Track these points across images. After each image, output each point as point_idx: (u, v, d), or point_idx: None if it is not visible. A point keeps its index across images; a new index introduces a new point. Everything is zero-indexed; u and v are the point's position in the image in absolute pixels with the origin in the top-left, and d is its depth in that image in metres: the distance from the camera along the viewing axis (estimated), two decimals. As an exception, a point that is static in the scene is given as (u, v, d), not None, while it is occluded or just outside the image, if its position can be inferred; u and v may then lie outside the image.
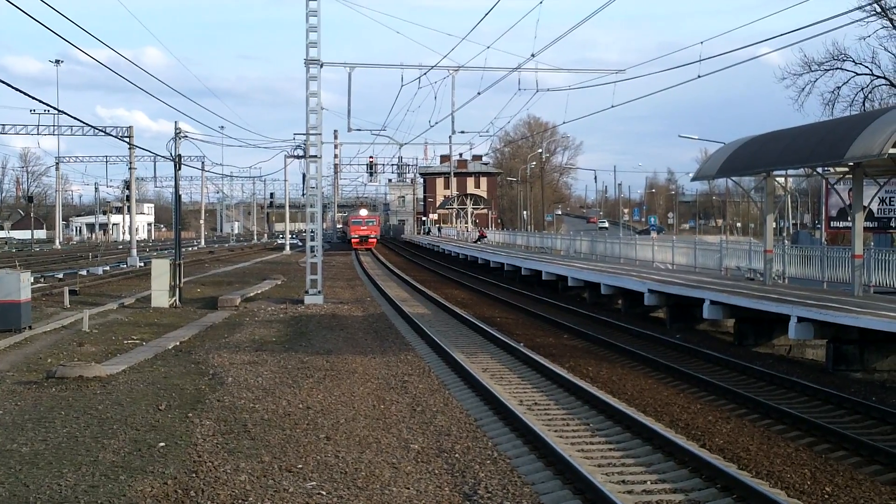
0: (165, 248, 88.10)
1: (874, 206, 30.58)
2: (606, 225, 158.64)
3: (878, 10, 40.74)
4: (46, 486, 10.62)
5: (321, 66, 34.47)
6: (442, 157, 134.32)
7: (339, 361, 20.01)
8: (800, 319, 19.60)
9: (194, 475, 11.10)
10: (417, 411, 14.88)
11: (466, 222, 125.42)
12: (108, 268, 54.60)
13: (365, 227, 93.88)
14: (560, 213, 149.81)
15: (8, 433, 13.17)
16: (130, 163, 69.72)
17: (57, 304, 31.66)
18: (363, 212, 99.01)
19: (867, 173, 25.13)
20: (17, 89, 19.88)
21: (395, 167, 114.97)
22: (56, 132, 76.03)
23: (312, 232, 36.22)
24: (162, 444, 12.54)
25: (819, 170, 28.04)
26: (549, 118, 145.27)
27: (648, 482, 11.05)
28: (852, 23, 34.22)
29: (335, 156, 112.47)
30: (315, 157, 36.26)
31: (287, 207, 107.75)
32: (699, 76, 27.14)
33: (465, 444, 12.68)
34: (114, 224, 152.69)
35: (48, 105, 23.29)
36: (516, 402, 15.36)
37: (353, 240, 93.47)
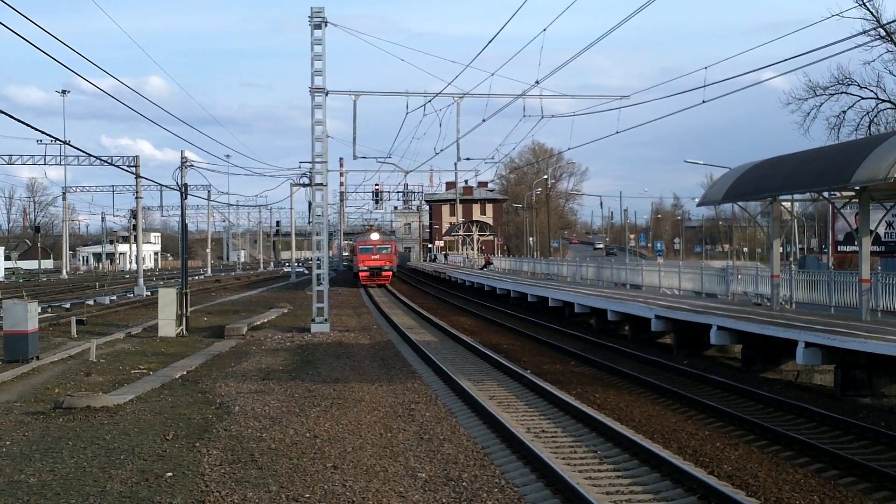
0: (172, 277, 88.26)
1: (881, 231, 30.55)
2: (602, 245, 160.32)
3: (883, 34, 40.82)
4: (54, 518, 10.60)
5: (326, 94, 34.62)
6: (447, 184, 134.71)
7: (346, 390, 19.99)
8: (808, 344, 19.54)
9: (202, 505, 11.08)
10: (425, 439, 14.85)
11: (472, 249, 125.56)
12: (115, 297, 54.67)
13: (377, 256, 72.77)
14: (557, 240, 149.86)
15: (16, 463, 13.17)
16: (137, 192, 69.99)
17: (64, 334, 31.69)
18: (374, 236, 76.78)
19: (874, 197, 25.13)
20: (22, 122, 20.01)
21: (400, 194, 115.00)
22: (62, 162, 76.40)
23: (318, 260, 36.24)
24: (169, 473, 12.52)
25: (825, 194, 28.03)
26: (555, 144, 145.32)
27: (657, 510, 11.00)
28: (857, 47, 34.19)
29: (341, 183, 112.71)
30: (321, 184, 36.34)
31: (293, 235, 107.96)
32: (704, 101, 27.26)
33: (473, 472, 12.64)
34: (120, 253, 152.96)
35: (53, 136, 23.35)
36: (524, 429, 15.33)
37: (361, 272, 73.04)
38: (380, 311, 45.12)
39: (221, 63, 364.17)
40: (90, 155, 47.81)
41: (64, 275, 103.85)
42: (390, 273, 73.52)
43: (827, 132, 45.85)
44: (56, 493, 11.58)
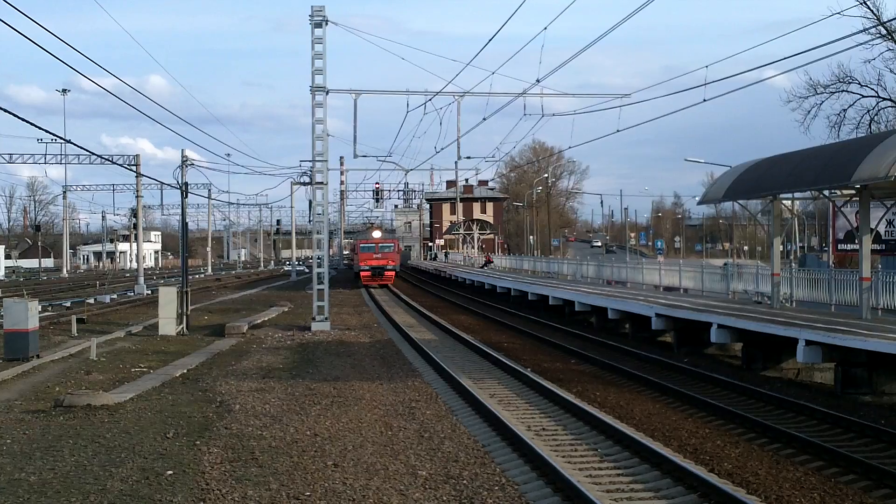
0: (173, 275, 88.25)
1: (881, 229, 30.54)
2: (599, 244, 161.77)
3: (883, 32, 40.81)
4: (54, 516, 10.60)
5: (327, 92, 34.60)
6: (448, 182, 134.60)
7: (347, 388, 19.99)
8: (808, 343, 19.54)
9: (202, 503, 11.08)
10: (425, 437, 14.85)
11: (473, 247, 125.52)
12: (115, 296, 54.68)
13: (379, 255, 68.11)
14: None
15: (16, 462, 13.17)
16: (137, 191, 69.98)
17: (65, 333, 31.69)
18: (377, 234, 72.91)
19: (874, 196, 25.12)
20: (24, 119, 20.02)
21: (401, 193, 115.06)
22: (63, 161, 76.40)
23: (319, 259, 36.24)
24: (170, 472, 12.52)
25: (826, 192, 28.03)
26: (555, 143, 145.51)
27: (657, 507, 11.00)
28: (857, 45, 34.10)
29: (341, 182, 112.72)
30: (321, 183, 36.34)
31: (294, 234, 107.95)
32: (704, 100, 27.28)
33: (473, 470, 12.64)
34: (121, 252, 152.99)
35: (55, 134, 23.35)
36: (524, 427, 15.32)
37: (362, 272, 68.41)
38: (380, 309, 45.11)
39: (222, 62, 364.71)
40: (91, 153, 48.18)
41: (64, 273, 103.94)
42: (393, 273, 68.97)
43: (827, 130, 45.86)
44: (56, 492, 11.57)
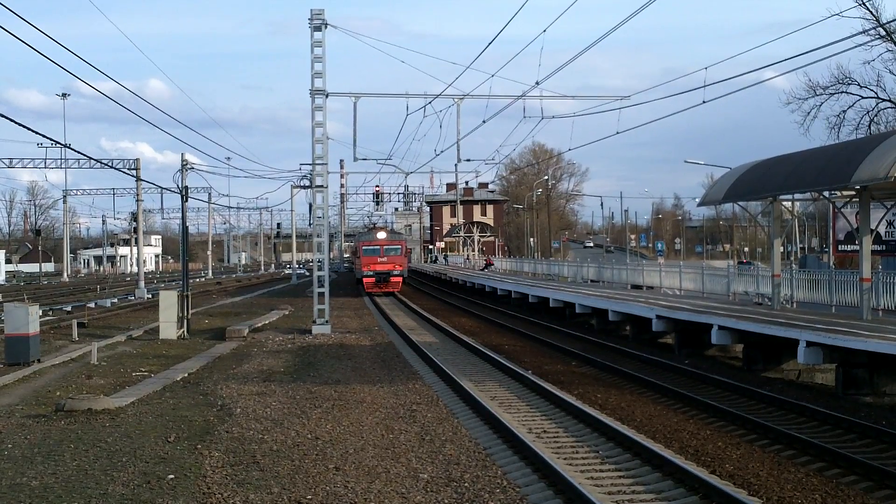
0: (173, 279, 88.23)
1: (881, 230, 30.49)
2: (591, 245, 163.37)
3: (882, 33, 40.80)
4: (56, 520, 10.59)
5: (327, 96, 34.60)
6: (448, 185, 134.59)
7: (348, 391, 19.98)
8: (809, 344, 19.54)
9: (203, 507, 11.08)
10: (426, 440, 14.84)
11: (473, 250, 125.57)
12: (116, 300, 54.67)
13: (384, 259, 60.81)
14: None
15: (17, 467, 13.17)
16: (138, 195, 70.05)
17: (65, 337, 31.70)
18: (381, 235, 64.34)
19: (874, 196, 25.12)
20: (22, 125, 20.03)
21: (401, 196, 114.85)
22: (63, 166, 76.40)
23: (320, 262, 36.23)
24: (171, 476, 12.52)
25: (826, 193, 28.02)
26: (555, 145, 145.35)
27: (659, 509, 10.99)
28: (856, 46, 34.05)
29: (341, 185, 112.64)
30: (321, 186, 36.32)
31: (294, 237, 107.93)
32: (704, 101, 27.22)
33: (475, 472, 12.64)
34: (121, 256, 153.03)
35: (54, 140, 23.44)
36: (525, 430, 15.32)
37: (365, 279, 61.30)
38: (381, 312, 45.10)
39: (222, 65, 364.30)
40: (91, 158, 48.53)
41: (65, 278, 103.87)
42: (400, 279, 61.77)
43: (827, 132, 45.84)
44: (58, 496, 11.58)
